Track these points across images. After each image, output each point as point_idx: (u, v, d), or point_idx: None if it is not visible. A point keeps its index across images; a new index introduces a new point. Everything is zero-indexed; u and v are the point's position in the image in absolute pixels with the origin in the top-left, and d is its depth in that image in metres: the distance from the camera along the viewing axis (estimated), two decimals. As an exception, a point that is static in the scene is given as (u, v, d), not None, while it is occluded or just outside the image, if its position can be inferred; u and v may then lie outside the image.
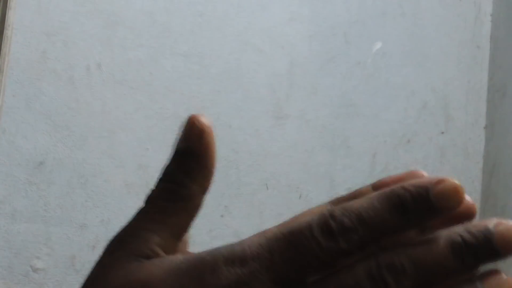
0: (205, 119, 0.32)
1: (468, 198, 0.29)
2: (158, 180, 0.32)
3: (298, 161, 1.73)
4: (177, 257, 0.30)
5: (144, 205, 0.32)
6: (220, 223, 1.65)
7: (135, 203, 1.58)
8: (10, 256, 1.55)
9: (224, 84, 1.70)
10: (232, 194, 1.66)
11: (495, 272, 0.28)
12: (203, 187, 0.32)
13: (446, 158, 1.86)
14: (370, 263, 0.27)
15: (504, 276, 0.28)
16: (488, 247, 0.28)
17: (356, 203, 0.28)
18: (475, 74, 1.91)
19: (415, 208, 0.28)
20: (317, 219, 0.28)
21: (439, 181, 0.28)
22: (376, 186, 0.33)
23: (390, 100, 1.83)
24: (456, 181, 0.28)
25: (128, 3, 1.64)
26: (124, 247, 0.30)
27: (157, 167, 1.68)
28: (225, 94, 1.70)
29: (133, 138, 1.62)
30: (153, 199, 0.32)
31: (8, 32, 1.52)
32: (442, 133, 1.86)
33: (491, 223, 0.28)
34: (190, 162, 0.32)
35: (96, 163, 1.57)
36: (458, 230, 0.28)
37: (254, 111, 1.72)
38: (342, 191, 1.77)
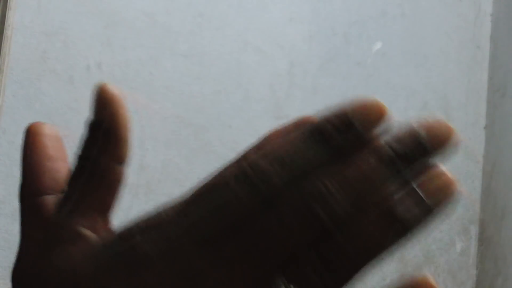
0: (113, 88, 0.30)
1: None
2: (75, 157, 0.31)
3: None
4: (100, 239, 0.29)
5: (65, 187, 0.30)
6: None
7: (135, 203, 1.58)
8: (10, 256, 1.55)
9: (224, 84, 1.70)
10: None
11: (434, 169, 0.26)
12: (118, 158, 0.31)
13: (446, 158, 1.86)
14: (293, 196, 0.24)
15: (444, 171, 0.26)
16: (420, 152, 0.26)
17: (273, 144, 0.26)
18: (475, 74, 1.91)
19: (335, 134, 0.25)
20: (231, 167, 0.26)
21: (357, 101, 0.26)
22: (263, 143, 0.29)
23: (390, 100, 1.83)
24: (378, 100, 0.26)
25: (128, 3, 1.64)
26: (48, 233, 0.29)
27: (157, 167, 1.69)
28: (225, 94, 1.70)
29: (133, 138, 1.62)
30: (71, 181, 0.30)
31: (8, 32, 1.52)
32: (442, 133, 1.86)
33: (420, 124, 0.26)
34: (101, 135, 0.30)
35: (96, 163, 1.57)
36: (385, 140, 0.25)
37: (254, 111, 1.72)
38: (342, 191, 1.77)
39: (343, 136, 0.25)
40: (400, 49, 1.85)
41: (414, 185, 0.25)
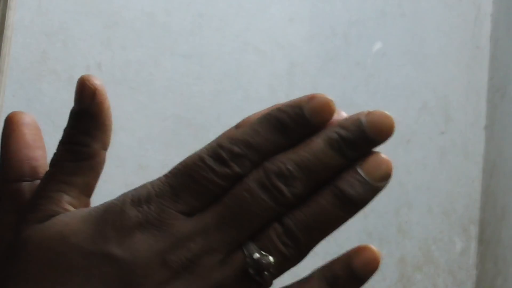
0: (96, 79, 0.33)
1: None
2: (59, 143, 0.33)
3: (298, 161, 1.73)
4: (89, 208, 0.32)
5: (50, 169, 0.33)
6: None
7: (135, 203, 1.58)
8: (10, 256, 1.55)
9: (224, 84, 1.70)
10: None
11: (373, 153, 0.31)
12: (103, 144, 0.34)
13: (446, 158, 1.86)
14: (259, 173, 0.30)
15: (382, 155, 0.31)
16: (362, 137, 0.31)
17: (239, 132, 0.31)
18: (475, 74, 1.91)
19: (293, 125, 0.30)
20: (207, 151, 0.31)
21: (311, 98, 0.31)
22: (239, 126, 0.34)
23: (390, 100, 1.83)
24: (326, 96, 0.31)
25: (128, 3, 1.64)
26: (36, 210, 0.31)
27: (157, 167, 1.68)
28: (225, 94, 1.70)
29: (133, 138, 1.62)
30: (57, 162, 0.33)
31: (8, 32, 1.52)
32: (442, 133, 1.86)
33: (363, 114, 0.32)
34: (87, 122, 0.33)
35: (96, 163, 1.57)
36: (334, 128, 0.31)
37: (254, 111, 1.71)
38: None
39: (297, 125, 0.30)
40: (400, 49, 1.85)
41: (357, 166, 0.30)
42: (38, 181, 0.33)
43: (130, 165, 1.60)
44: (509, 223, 1.73)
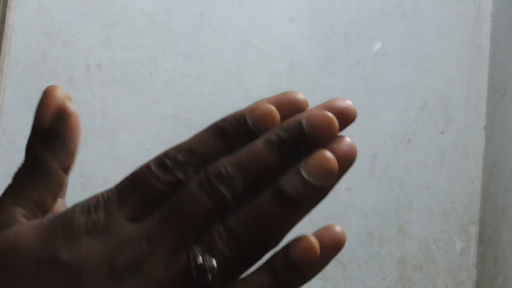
0: (70, 103, 0.34)
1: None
2: (25, 152, 0.34)
3: (298, 161, 1.73)
4: (41, 218, 0.32)
5: (11, 181, 0.34)
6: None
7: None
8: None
9: (224, 84, 1.70)
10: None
11: (317, 151, 0.31)
12: (63, 165, 0.34)
13: (446, 158, 1.86)
14: (200, 177, 0.31)
15: (325, 152, 0.31)
16: (301, 137, 0.31)
17: (186, 141, 0.32)
18: (475, 74, 1.91)
19: (235, 132, 0.32)
20: (153, 159, 0.32)
21: (254, 108, 0.33)
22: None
23: (390, 100, 1.83)
24: (269, 106, 0.32)
25: (128, 3, 1.64)
26: None
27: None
28: (225, 94, 1.70)
29: (133, 138, 1.62)
30: (16, 174, 0.34)
31: (8, 32, 1.52)
32: (442, 133, 1.86)
33: (304, 114, 0.31)
34: (51, 139, 0.33)
35: (96, 163, 1.57)
36: (273, 130, 0.31)
37: (254, 111, 1.72)
38: (342, 191, 1.77)
39: (239, 132, 0.32)
40: (400, 49, 1.85)
41: (300, 165, 0.30)
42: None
43: (130, 165, 1.60)
44: (509, 223, 1.73)
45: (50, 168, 0.33)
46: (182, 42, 1.68)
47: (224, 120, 0.33)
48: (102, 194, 0.32)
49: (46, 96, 0.34)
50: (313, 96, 1.77)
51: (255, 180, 0.31)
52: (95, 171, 1.57)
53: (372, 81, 1.82)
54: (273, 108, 0.32)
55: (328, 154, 0.31)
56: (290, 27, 1.77)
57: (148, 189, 0.31)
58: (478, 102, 1.90)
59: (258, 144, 0.31)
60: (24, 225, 0.32)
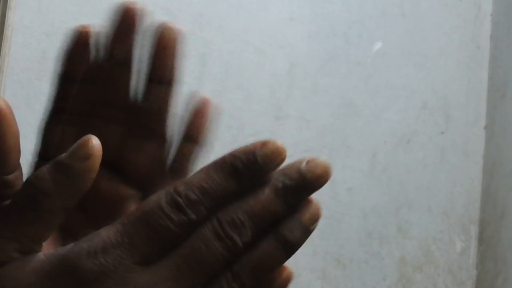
0: (97, 144, 0.32)
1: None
2: (26, 181, 0.32)
3: (298, 161, 1.73)
4: (39, 257, 0.30)
5: (9, 206, 0.31)
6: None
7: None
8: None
9: (224, 84, 1.70)
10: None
11: (311, 201, 0.33)
12: (67, 205, 0.31)
13: (446, 158, 1.86)
14: (213, 224, 0.31)
15: (314, 201, 0.34)
16: (302, 184, 0.33)
17: (196, 177, 0.32)
18: (475, 74, 1.91)
19: (246, 171, 0.32)
20: (165, 197, 0.31)
21: (263, 144, 0.32)
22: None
23: (390, 100, 1.83)
24: (278, 142, 0.33)
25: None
26: None
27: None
28: (225, 94, 1.70)
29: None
30: (15, 203, 0.31)
31: (8, 32, 1.52)
32: (442, 133, 1.86)
33: (303, 163, 0.33)
34: (65, 177, 0.31)
35: (96, 163, 1.57)
36: (278, 176, 0.32)
37: (254, 111, 1.72)
38: (342, 191, 1.77)
39: (250, 171, 0.32)
40: (400, 49, 1.85)
41: (297, 213, 0.33)
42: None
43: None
44: (509, 223, 1.73)
45: (54, 207, 0.31)
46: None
47: (235, 157, 0.33)
48: (108, 234, 0.30)
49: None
50: (313, 96, 1.77)
51: (263, 227, 0.32)
52: (95, 171, 1.56)
53: (372, 81, 1.82)
54: (282, 144, 0.33)
55: (316, 200, 0.34)
56: (290, 27, 1.77)
57: (161, 231, 0.30)
58: (478, 102, 1.90)
59: (266, 192, 0.32)
60: (20, 266, 0.30)
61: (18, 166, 0.33)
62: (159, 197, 0.31)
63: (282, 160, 0.33)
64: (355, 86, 1.80)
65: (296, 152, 1.75)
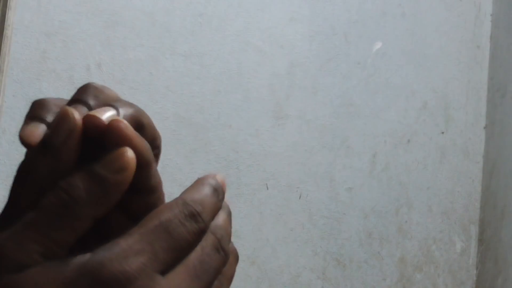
0: (132, 156, 0.33)
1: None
2: (58, 186, 0.31)
3: (298, 161, 1.73)
4: (61, 264, 0.30)
5: (30, 212, 0.31)
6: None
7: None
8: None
9: (224, 84, 1.70)
10: (232, 194, 1.66)
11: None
12: (97, 214, 0.32)
13: (446, 158, 1.86)
14: (213, 239, 0.34)
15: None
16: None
17: (199, 194, 0.34)
18: (475, 74, 1.91)
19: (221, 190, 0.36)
20: (179, 207, 0.32)
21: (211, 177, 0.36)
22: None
23: (390, 100, 1.83)
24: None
25: (128, 3, 1.64)
26: (5, 255, 0.30)
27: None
28: (225, 94, 1.70)
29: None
30: (45, 207, 0.31)
31: (8, 32, 1.52)
32: (442, 133, 1.86)
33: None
34: (98, 187, 0.32)
35: (96, 163, 1.57)
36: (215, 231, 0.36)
37: (254, 111, 1.72)
38: (342, 191, 1.77)
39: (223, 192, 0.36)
40: (400, 49, 1.85)
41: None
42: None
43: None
44: (509, 223, 1.73)
45: (84, 215, 0.32)
46: (182, 42, 1.68)
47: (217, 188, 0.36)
48: (128, 243, 0.30)
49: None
50: (313, 96, 1.77)
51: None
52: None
53: (372, 81, 1.82)
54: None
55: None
56: (290, 27, 1.77)
57: (178, 238, 0.32)
58: (478, 102, 1.90)
59: (208, 246, 0.34)
60: (42, 272, 0.30)
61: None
62: (173, 206, 0.32)
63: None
64: (355, 86, 1.80)
65: (296, 152, 1.76)
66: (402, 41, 1.85)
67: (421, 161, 1.84)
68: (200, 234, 0.33)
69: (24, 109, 1.52)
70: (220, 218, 0.35)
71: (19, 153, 1.55)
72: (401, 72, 1.85)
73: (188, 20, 1.69)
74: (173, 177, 1.61)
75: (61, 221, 0.31)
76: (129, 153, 0.32)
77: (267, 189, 1.70)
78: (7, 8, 1.51)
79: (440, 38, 1.89)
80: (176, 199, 0.33)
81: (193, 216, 0.32)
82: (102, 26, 1.63)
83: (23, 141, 0.33)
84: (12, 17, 1.53)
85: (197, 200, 0.33)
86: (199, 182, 0.35)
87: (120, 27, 1.64)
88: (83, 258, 0.30)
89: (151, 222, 0.31)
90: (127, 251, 0.30)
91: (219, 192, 0.35)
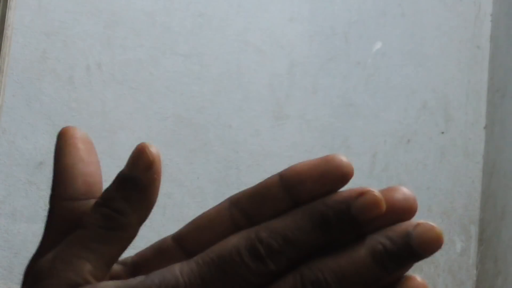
0: (155, 150, 0.31)
1: (407, 193, 0.29)
2: (96, 203, 0.31)
3: (298, 161, 1.73)
4: (109, 285, 0.29)
5: (78, 230, 0.30)
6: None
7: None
8: (10, 256, 1.55)
9: (224, 84, 1.70)
10: (232, 194, 1.66)
11: (409, 277, 0.29)
12: (141, 219, 0.31)
13: (446, 158, 1.86)
14: (295, 280, 0.28)
15: (418, 279, 0.29)
16: (408, 251, 0.28)
17: (280, 223, 0.29)
18: (475, 74, 1.91)
19: (337, 224, 0.28)
20: (245, 243, 0.28)
21: (360, 194, 0.29)
22: (285, 176, 0.32)
23: (390, 100, 1.83)
24: (376, 192, 0.29)
25: (128, 3, 1.64)
26: (54, 274, 0.29)
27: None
28: (225, 94, 1.70)
29: (133, 138, 1.62)
30: (89, 224, 0.30)
31: (8, 32, 1.52)
32: (442, 133, 1.86)
33: (411, 225, 0.28)
34: (134, 192, 0.31)
35: (96, 163, 1.57)
36: (379, 238, 0.28)
37: (254, 111, 1.72)
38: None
39: (342, 223, 0.28)
40: (400, 49, 1.85)
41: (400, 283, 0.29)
42: (93, 200, 0.31)
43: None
44: (509, 223, 1.73)
45: (128, 223, 0.30)
46: (182, 42, 1.68)
47: (326, 206, 0.29)
48: (181, 272, 0.29)
49: (137, 150, 0.31)
50: (313, 96, 1.77)
51: None
52: (95, 171, 1.56)
53: (372, 81, 1.82)
54: (381, 196, 0.29)
55: (424, 282, 0.30)
56: (290, 27, 1.77)
57: (236, 278, 0.28)
58: (478, 102, 1.90)
59: (362, 253, 0.28)
60: None
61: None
62: (239, 241, 0.29)
63: (379, 213, 0.28)
64: (355, 86, 1.80)
65: (296, 152, 1.76)
66: (402, 41, 1.85)
67: (421, 161, 1.84)
68: (269, 274, 0.28)
69: (24, 109, 1.53)
70: (332, 258, 0.28)
71: (19, 153, 1.55)
72: (401, 72, 1.85)
73: (188, 20, 1.69)
74: (173, 177, 1.61)
75: (109, 235, 0.30)
76: (151, 147, 0.30)
77: (267, 189, 1.70)
78: (7, 8, 1.51)
79: (440, 38, 1.89)
80: (249, 230, 0.29)
81: (258, 255, 0.28)
82: (102, 26, 1.63)
83: None
84: (12, 17, 1.53)
85: (274, 235, 0.28)
86: (298, 209, 0.29)
87: (120, 27, 1.64)
88: (133, 281, 0.29)
89: (210, 254, 0.29)
90: (178, 281, 0.28)
91: (329, 223, 0.28)
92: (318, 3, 1.79)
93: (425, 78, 1.86)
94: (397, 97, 1.84)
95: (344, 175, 0.31)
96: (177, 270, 0.28)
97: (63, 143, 0.32)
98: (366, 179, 1.79)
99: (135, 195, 0.30)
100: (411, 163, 1.83)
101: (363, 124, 1.79)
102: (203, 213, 0.32)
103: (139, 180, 0.30)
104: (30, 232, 1.55)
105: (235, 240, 0.29)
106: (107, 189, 0.31)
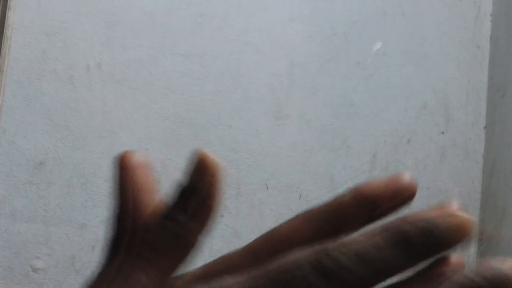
0: (215, 158, 0.30)
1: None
2: (158, 215, 0.30)
3: (298, 161, 1.73)
4: None
5: (136, 240, 0.30)
6: (220, 223, 1.65)
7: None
8: (10, 256, 1.55)
9: (224, 84, 1.70)
10: (232, 194, 1.66)
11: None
12: (203, 229, 0.30)
13: (446, 158, 1.86)
14: None
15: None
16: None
17: (354, 239, 0.26)
18: (475, 74, 1.91)
19: (419, 245, 0.26)
20: (309, 256, 0.26)
21: (449, 215, 0.26)
22: (362, 193, 0.30)
23: (390, 100, 1.83)
24: (466, 215, 0.26)
25: (128, 3, 1.64)
26: (109, 284, 0.29)
27: (157, 167, 1.68)
28: (225, 94, 1.70)
29: (133, 138, 1.62)
30: (147, 234, 0.30)
31: (8, 32, 1.52)
32: (442, 133, 1.86)
33: (508, 263, 0.26)
34: (194, 202, 0.30)
35: (96, 163, 1.57)
36: (474, 275, 0.26)
37: (254, 111, 1.72)
38: (342, 191, 1.77)
39: (425, 245, 0.25)
40: (400, 49, 1.85)
41: None
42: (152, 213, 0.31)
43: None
44: (509, 223, 1.73)
45: (194, 237, 0.30)
46: (182, 42, 1.68)
47: (408, 224, 0.26)
48: (236, 283, 0.27)
49: (199, 159, 0.30)
50: (313, 96, 1.77)
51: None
52: (95, 171, 1.57)
53: (372, 81, 1.82)
54: (471, 219, 0.26)
55: None
56: (290, 27, 1.77)
57: None
58: (478, 102, 1.90)
59: (450, 286, 0.25)
60: None
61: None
62: (304, 255, 0.26)
63: (466, 238, 0.26)
64: (355, 86, 1.80)
65: (296, 152, 1.77)
66: (402, 41, 1.85)
67: (421, 161, 1.84)
68: None
69: (24, 109, 1.53)
70: (413, 284, 0.26)
71: (19, 153, 1.55)
72: (401, 72, 1.85)
73: (188, 20, 1.69)
74: (173, 177, 1.61)
75: (164, 245, 0.29)
76: (205, 152, 0.29)
77: (267, 189, 1.70)
78: (7, 8, 1.51)
79: (440, 38, 1.89)
80: (319, 245, 0.26)
81: (324, 271, 0.25)
82: (102, 26, 1.63)
83: None
84: (12, 17, 1.53)
85: (345, 250, 0.25)
86: (377, 227, 0.27)
87: (120, 27, 1.64)
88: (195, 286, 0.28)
89: (269, 267, 0.26)
90: None
91: (410, 243, 0.25)
92: (318, 3, 1.79)
93: (425, 78, 1.87)
94: (397, 97, 1.84)
95: (412, 194, 0.29)
96: (229, 282, 0.27)
97: (123, 173, 0.32)
98: (366, 179, 1.79)
99: (197, 207, 0.29)
100: (411, 163, 1.83)
101: (363, 124, 1.79)
102: (274, 227, 0.31)
103: (199, 190, 0.29)
104: (30, 232, 1.55)
105: (299, 254, 0.26)
106: (167, 202, 0.30)
